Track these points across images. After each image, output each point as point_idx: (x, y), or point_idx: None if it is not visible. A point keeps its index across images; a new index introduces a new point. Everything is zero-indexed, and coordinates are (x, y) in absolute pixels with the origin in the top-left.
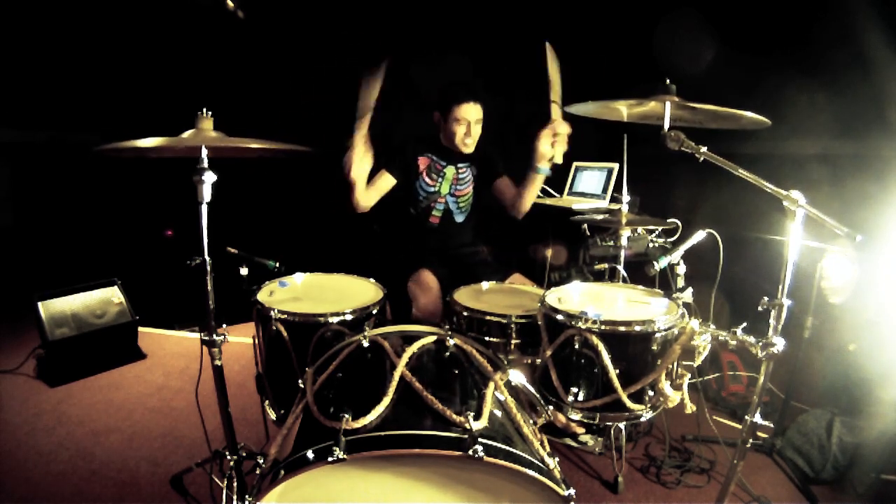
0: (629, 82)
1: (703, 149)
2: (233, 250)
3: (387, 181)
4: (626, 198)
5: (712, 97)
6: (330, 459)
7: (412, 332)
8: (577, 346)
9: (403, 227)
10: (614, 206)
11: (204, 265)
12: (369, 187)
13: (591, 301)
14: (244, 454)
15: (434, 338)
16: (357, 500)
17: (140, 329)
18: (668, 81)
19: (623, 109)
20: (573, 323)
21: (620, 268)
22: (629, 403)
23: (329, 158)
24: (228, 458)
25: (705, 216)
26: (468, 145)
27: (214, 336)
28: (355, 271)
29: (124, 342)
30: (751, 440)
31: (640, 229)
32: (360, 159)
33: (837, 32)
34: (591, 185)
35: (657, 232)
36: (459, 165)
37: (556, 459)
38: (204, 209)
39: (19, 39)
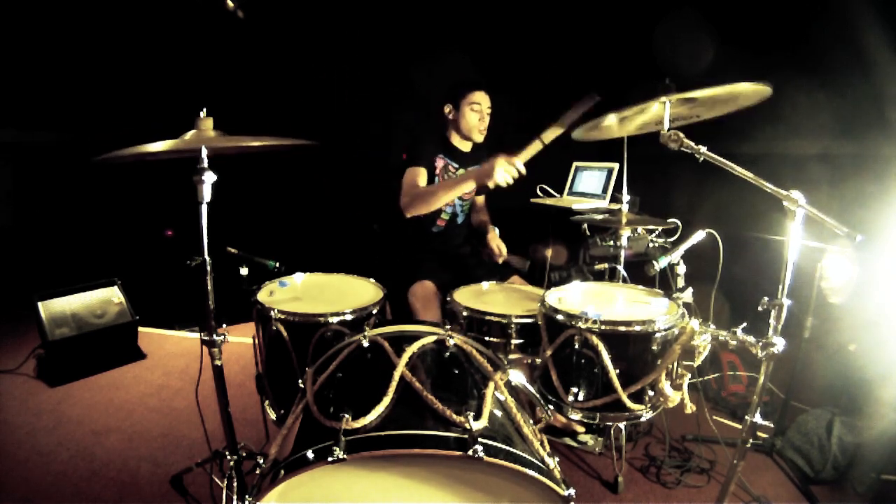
0: (628, 87)
1: (703, 149)
2: (233, 250)
3: (424, 177)
4: (626, 198)
5: None
6: (330, 459)
7: (412, 332)
8: (577, 346)
9: (404, 228)
10: (614, 206)
11: (204, 265)
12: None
13: (591, 301)
14: (244, 454)
15: (434, 338)
16: (357, 500)
17: (140, 329)
18: (667, 80)
19: (618, 127)
20: (573, 323)
21: (620, 268)
22: (629, 403)
23: (329, 158)
24: (228, 458)
25: (705, 216)
26: (482, 132)
27: (214, 336)
28: (355, 271)
29: (124, 342)
30: (751, 440)
31: (640, 229)
32: None
33: (837, 32)
34: (591, 185)
35: (657, 232)
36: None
37: (556, 459)
38: (204, 209)
39: (20, 39)
